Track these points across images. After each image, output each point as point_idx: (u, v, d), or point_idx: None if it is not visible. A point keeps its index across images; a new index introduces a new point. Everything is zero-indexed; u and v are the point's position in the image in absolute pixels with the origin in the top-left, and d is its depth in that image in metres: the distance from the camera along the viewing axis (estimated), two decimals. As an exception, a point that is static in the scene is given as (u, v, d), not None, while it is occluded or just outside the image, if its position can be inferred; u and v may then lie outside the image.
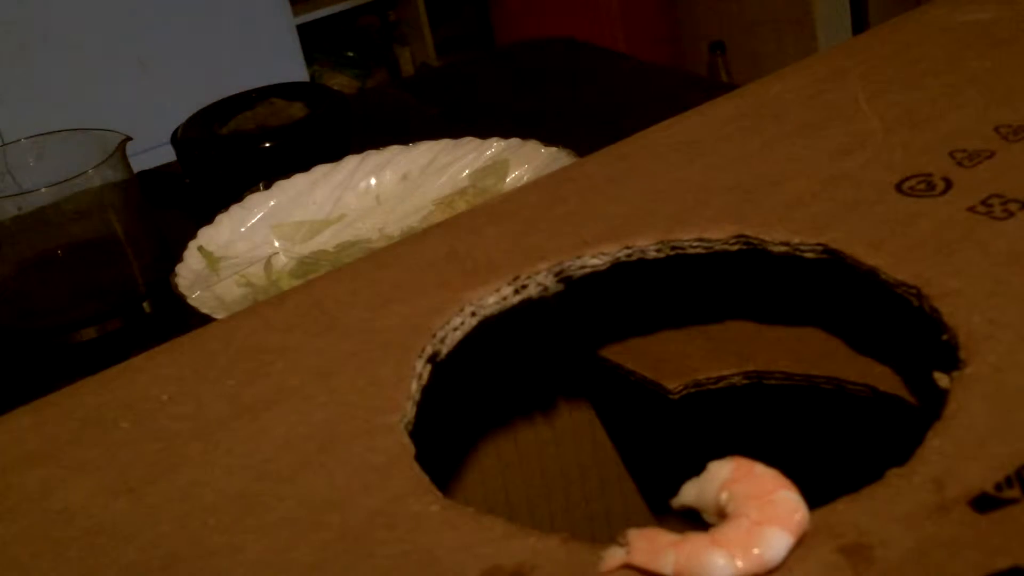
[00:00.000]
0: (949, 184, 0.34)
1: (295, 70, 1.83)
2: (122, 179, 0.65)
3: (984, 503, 0.23)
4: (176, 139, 0.77)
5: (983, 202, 0.33)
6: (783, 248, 0.33)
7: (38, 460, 0.30)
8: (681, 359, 0.39)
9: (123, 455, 0.30)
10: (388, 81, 2.19)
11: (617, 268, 0.35)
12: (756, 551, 0.23)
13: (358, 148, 0.69)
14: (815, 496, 0.24)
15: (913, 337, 0.31)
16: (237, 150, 0.74)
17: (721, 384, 0.38)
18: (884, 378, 0.35)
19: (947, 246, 0.31)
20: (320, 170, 0.67)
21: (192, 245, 0.62)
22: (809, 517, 0.23)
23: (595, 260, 0.35)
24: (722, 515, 0.24)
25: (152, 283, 0.65)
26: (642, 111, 0.79)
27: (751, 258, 0.34)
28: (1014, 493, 0.23)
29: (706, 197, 0.36)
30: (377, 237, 0.64)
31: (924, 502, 0.23)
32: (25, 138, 0.69)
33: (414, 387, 0.30)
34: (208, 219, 0.64)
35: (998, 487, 0.23)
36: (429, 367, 0.31)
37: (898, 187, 0.35)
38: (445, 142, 0.68)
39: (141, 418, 0.31)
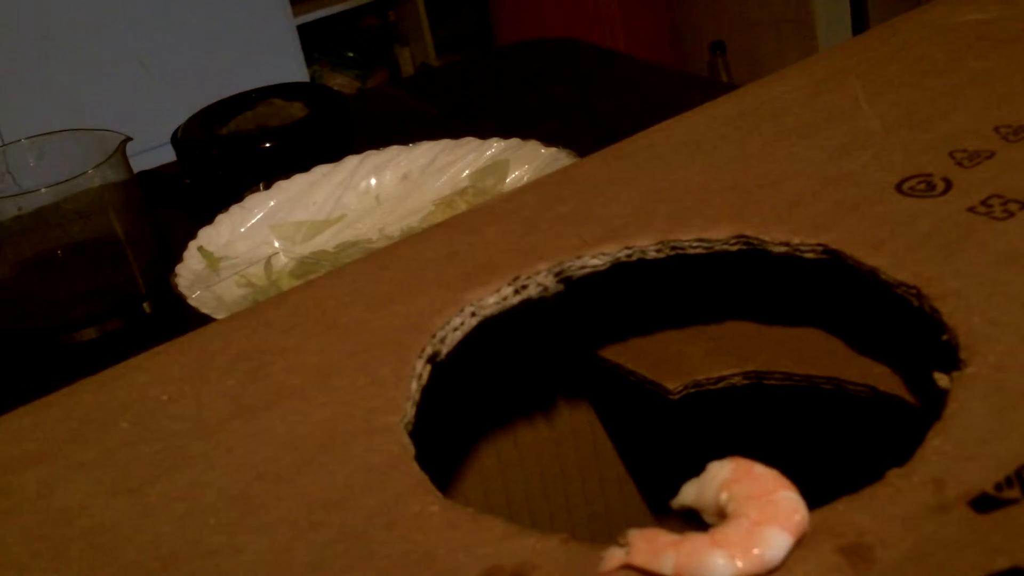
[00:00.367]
0: (949, 184, 0.34)
1: (295, 70, 1.83)
2: (122, 179, 0.65)
3: (984, 503, 0.23)
4: (176, 139, 0.77)
5: (983, 202, 0.33)
6: (783, 248, 0.33)
7: (38, 460, 0.30)
8: (681, 359, 0.39)
9: (123, 455, 0.30)
10: (388, 81, 2.19)
11: (617, 268, 0.35)
12: (756, 551, 0.23)
13: (358, 148, 0.69)
14: (815, 496, 0.24)
15: (913, 337, 0.31)
16: (237, 150, 0.74)
17: (721, 384, 0.38)
18: (884, 378, 0.35)
19: (947, 246, 0.31)
20: (320, 170, 0.67)
21: (192, 245, 0.62)
22: (809, 517, 0.23)
23: (595, 260, 0.35)
24: (722, 515, 0.24)
25: (152, 283, 0.65)
26: (642, 111, 0.79)
27: (751, 258, 0.34)
28: (1014, 493, 0.23)
29: (706, 197, 0.36)
30: (377, 237, 0.64)
31: (924, 502, 0.23)
32: (25, 138, 0.69)
33: (414, 387, 0.30)
34: (208, 219, 0.64)
35: (998, 487, 0.23)
36: (429, 367, 0.31)
37: (898, 187, 0.35)
38: (445, 142, 0.68)
39: (141, 418, 0.31)
